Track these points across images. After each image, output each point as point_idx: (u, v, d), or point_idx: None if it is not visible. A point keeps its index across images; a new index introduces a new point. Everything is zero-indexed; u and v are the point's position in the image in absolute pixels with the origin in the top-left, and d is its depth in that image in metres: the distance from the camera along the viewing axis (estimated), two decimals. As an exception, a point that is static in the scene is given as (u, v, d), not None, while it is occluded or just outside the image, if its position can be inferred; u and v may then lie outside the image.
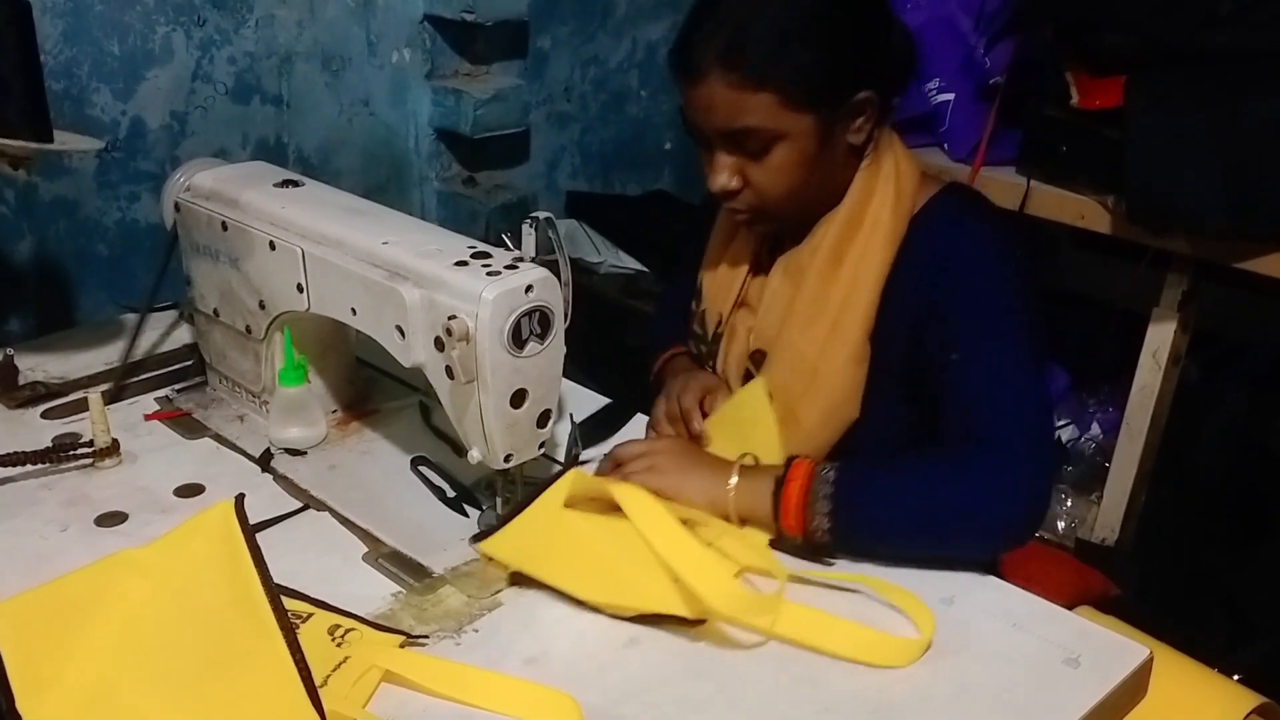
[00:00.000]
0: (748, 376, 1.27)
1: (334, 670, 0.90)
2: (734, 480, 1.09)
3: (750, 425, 1.21)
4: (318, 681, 0.87)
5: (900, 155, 1.22)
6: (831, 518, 1.05)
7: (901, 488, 1.07)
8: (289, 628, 0.89)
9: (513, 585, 1.03)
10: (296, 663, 0.86)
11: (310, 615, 0.96)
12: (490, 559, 1.05)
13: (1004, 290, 1.16)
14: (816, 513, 1.05)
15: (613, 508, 1.03)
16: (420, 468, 1.21)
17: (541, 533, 1.03)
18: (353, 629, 0.95)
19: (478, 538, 1.08)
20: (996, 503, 1.06)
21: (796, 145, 1.14)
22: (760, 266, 1.30)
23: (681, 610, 0.96)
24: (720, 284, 1.32)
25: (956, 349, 1.13)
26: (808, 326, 1.21)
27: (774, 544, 1.08)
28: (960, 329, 1.14)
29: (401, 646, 0.95)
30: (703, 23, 1.13)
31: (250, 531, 0.95)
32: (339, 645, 0.93)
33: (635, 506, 1.01)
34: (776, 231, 1.26)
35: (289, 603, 0.94)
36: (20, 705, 0.82)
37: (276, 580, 0.93)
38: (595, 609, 0.99)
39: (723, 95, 1.12)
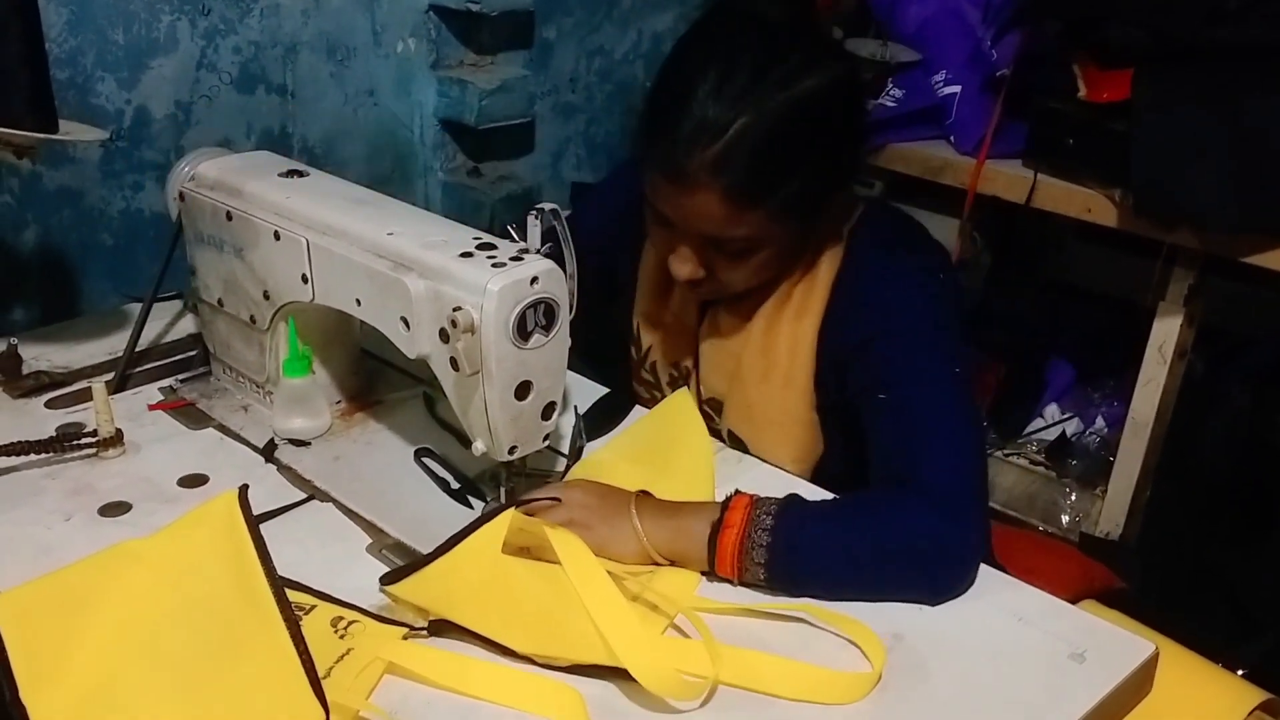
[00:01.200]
0: (709, 419, 1.27)
1: (337, 661, 0.90)
2: (655, 526, 1.02)
3: (679, 435, 1.18)
4: (321, 673, 0.86)
5: (839, 200, 1.21)
6: (767, 567, 0.99)
7: (836, 532, 1.02)
8: (293, 619, 0.89)
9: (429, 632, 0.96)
10: (300, 654, 0.86)
11: (313, 607, 0.96)
12: (397, 601, 0.98)
13: (926, 331, 1.14)
14: (752, 561, 0.99)
15: (539, 554, 0.98)
16: (424, 459, 1.20)
17: (466, 575, 0.95)
18: (355, 621, 0.95)
19: (387, 579, 0.99)
20: (929, 548, 1.02)
21: (776, 248, 1.15)
22: (701, 315, 1.29)
23: (617, 663, 0.88)
24: (668, 336, 1.32)
25: (884, 389, 1.11)
26: (760, 381, 1.22)
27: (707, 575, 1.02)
28: (888, 369, 1.12)
29: (405, 639, 0.94)
30: (690, 123, 1.08)
31: (254, 522, 0.96)
32: (342, 637, 0.93)
33: (569, 557, 0.95)
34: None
35: (292, 595, 0.94)
36: (24, 695, 0.82)
37: (280, 572, 0.93)
38: (526, 658, 0.92)
39: (713, 207, 1.09)
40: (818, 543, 1.01)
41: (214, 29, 1.79)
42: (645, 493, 1.07)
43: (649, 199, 1.16)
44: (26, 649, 0.85)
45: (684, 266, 1.16)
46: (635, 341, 1.36)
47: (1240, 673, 1.36)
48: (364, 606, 0.97)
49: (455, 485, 1.16)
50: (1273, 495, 1.97)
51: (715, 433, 1.27)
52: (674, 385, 1.32)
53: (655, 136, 1.12)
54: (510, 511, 0.97)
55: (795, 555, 1.00)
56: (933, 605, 1.00)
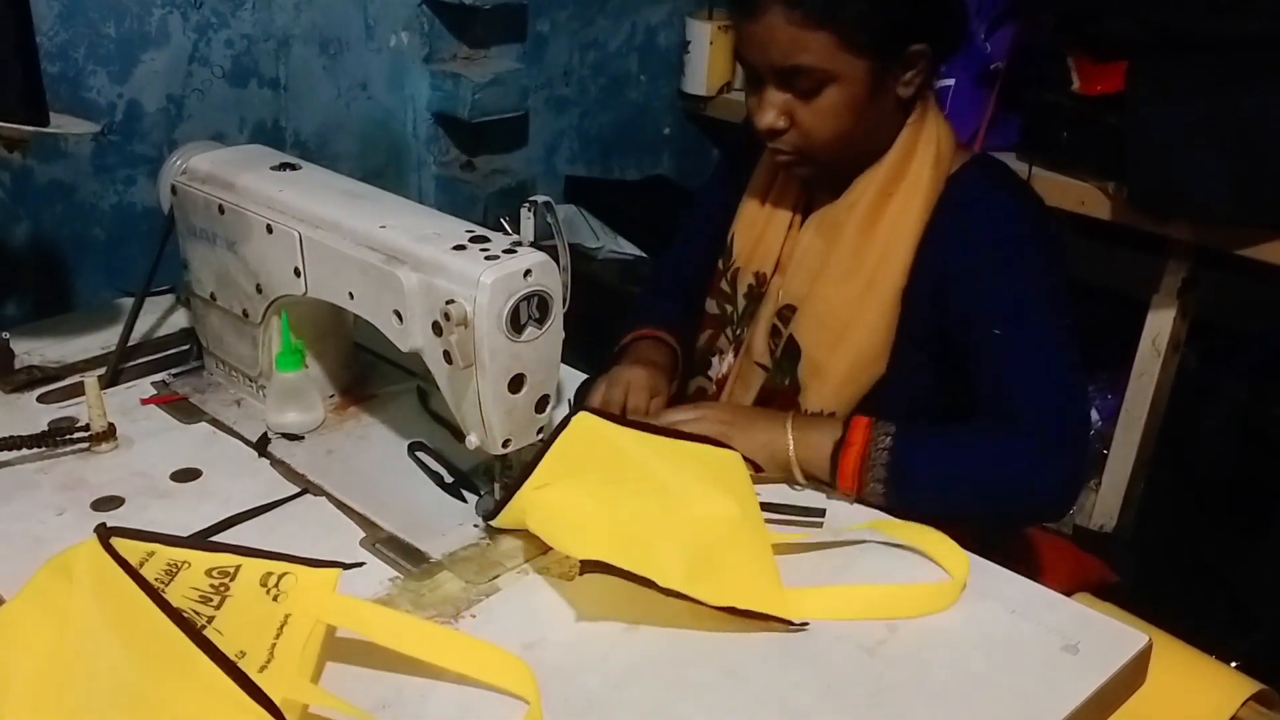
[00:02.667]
0: (774, 332, 1.28)
1: (276, 638, 0.85)
2: (791, 436, 1.13)
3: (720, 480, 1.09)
4: (261, 661, 0.82)
5: (940, 119, 1.24)
6: (886, 484, 1.09)
7: (951, 461, 1.12)
8: (202, 638, 0.79)
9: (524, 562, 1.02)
10: (223, 667, 0.77)
11: (238, 567, 0.91)
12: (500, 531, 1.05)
13: (1039, 268, 1.18)
14: (872, 479, 1.10)
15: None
16: (418, 453, 1.20)
17: (559, 493, 0.99)
18: (286, 573, 0.91)
19: (490, 515, 1.05)
20: (1035, 483, 1.11)
21: (848, 89, 1.15)
22: (795, 224, 1.30)
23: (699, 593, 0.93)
24: (758, 244, 1.32)
25: (993, 324, 1.15)
26: (842, 282, 1.22)
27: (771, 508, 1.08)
28: (997, 305, 1.16)
29: (345, 570, 0.92)
30: None
31: (125, 562, 0.84)
32: (276, 599, 0.88)
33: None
34: (813, 182, 1.27)
35: (217, 557, 0.90)
36: None
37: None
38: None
39: (782, 31, 1.12)
40: (930, 469, 1.11)
41: (206, 22, 1.79)
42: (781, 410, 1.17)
43: (737, 56, 1.23)
44: None
45: (764, 113, 1.18)
46: (725, 253, 1.36)
47: (1233, 665, 1.37)
48: (291, 554, 0.93)
49: (449, 479, 1.16)
50: (1266, 489, 1.97)
51: (774, 345, 1.28)
52: (750, 296, 1.32)
53: None
54: (581, 415, 1.02)
55: (909, 479, 1.10)
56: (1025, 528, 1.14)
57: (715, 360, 1.36)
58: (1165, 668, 1.03)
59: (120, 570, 0.83)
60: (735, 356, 1.34)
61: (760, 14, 1.13)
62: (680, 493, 0.99)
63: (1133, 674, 0.96)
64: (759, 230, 1.32)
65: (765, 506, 1.06)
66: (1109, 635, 0.97)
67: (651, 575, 0.90)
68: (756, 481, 1.08)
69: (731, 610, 0.93)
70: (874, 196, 1.21)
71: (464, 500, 1.13)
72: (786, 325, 1.27)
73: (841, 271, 1.22)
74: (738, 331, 1.34)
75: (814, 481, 1.15)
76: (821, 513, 1.09)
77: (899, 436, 1.11)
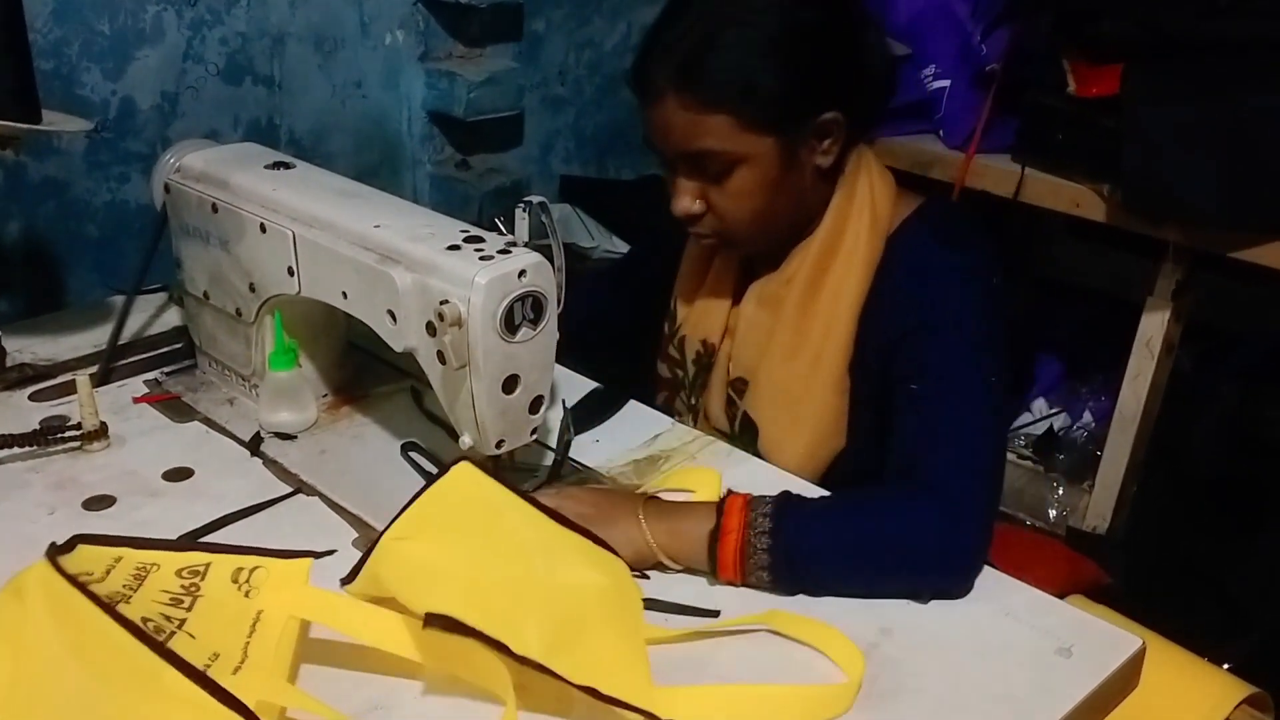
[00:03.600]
0: (729, 403, 1.27)
1: (250, 636, 0.83)
2: (648, 529, 1.01)
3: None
4: (235, 663, 0.81)
5: (875, 175, 1.20)
6: (771, 570, 0.98)
7: (843, 532, 1.01)
8: (158, 645, 0.78)
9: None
10: (187, 674, 0.76)
11: (209, 565, 0.90)
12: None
13: (965, 329, 1.12)
14: (755, 565, 0.98)
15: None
16: (411, 453, 1.20)
17: (413, 552, 0.90)
18: (257, 567, 0.90)
19: (347, 579, 0.93)
20: (941, 548, 1.01)
21: (757, 168, 1.12)
22: (738, 293, 1.28)
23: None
24: (701, 311, 1.31)
25: (916, 380, 1.10)
26: (789, 359, 1.20)
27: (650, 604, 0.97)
28: (923, 361, 1.11)
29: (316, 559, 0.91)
30: (658, 42, 1.11)
31: (76, 580, 0.82)
32: (247, 595, 0.87)
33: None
34: (747, 256, 1.25)
35: (186, 556, 0.89)
36: None
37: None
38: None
39: (679, 117, 1.10)
40: (820, 545, 0.99)
41: (200, 20, 1.78)
42: (651, 496, 1.06)
43: (644, 142, 1.19)
44: None
45: (680, 200, 1.17)
46: (670, 317, 1.35)
47: (1226, 667, 1.37)
48: (261, 547, 0.93)
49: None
50: (1259, 490, 1.97)
51: (731, 417, 1.27)
52: (699, 363, 1.31)
53: (632, 66, 1.16)
54: (461, 465, 0.93)
55: (797, 560, 0.98)
56: (925, 604, 1.00)
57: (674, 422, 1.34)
58: (1159, 671, 1.04)
59: (73, 588, 0.80)
60: (694, 423, 1.33)
61: (656, 100, 1.11)
62: (550, 561, 0.90)
63: (1126, 677, 0.96)
64: (702, 298, 1.31)
65: (652, 604, 0.97)
66: (1103, 638, 0.97)
67: (505, 640, 0.80)
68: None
69: (593, 693, 0.82)
70: (810, 270, 1.19)
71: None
72: (740, 398, 1.26)
73: (787, 348, 1.20)
74: (691, 399, 1.33)
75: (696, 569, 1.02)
76: (716, 613, 0.97)
77: (781, 514, 0.99)
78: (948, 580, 1.01)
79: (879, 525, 1.02)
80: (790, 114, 1.11)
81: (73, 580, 0.81)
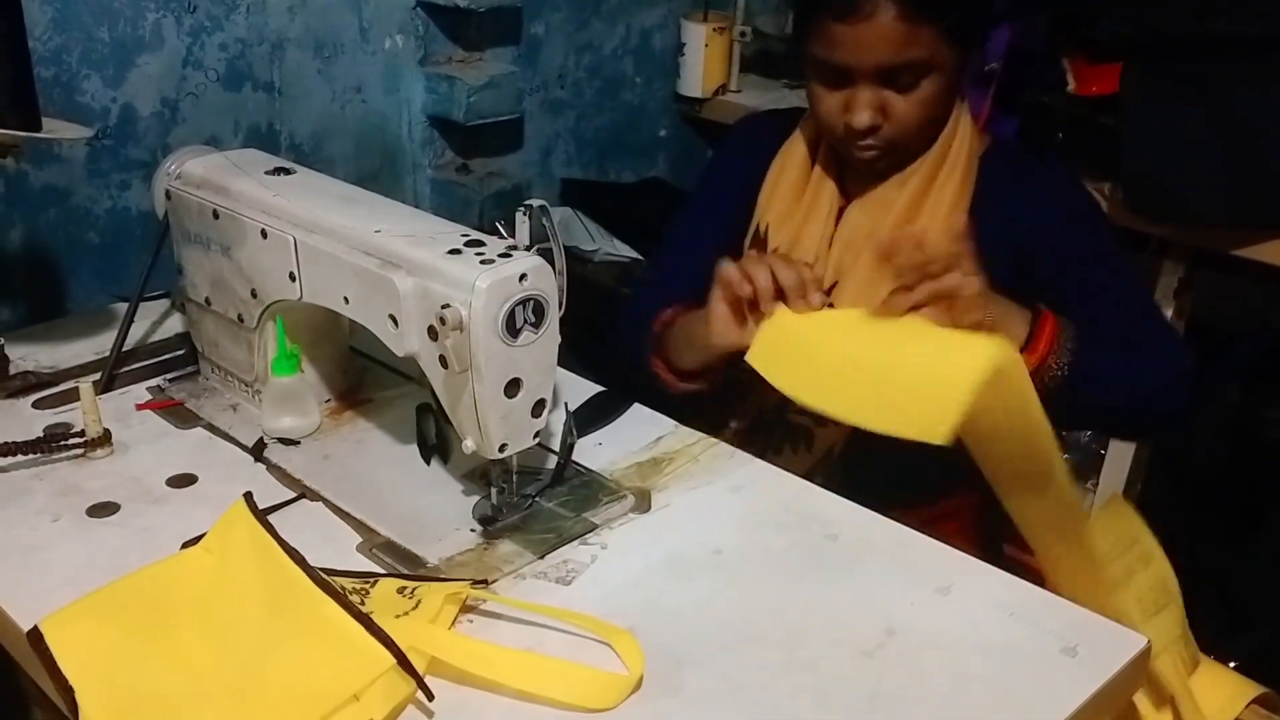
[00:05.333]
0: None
1: (406, 612, 0.92)
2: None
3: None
4: (391, 616, 0.91)
5: (963, 103, 1.30)
6: (1067, 368, 1.13)
7: (1115, 367, 1.18)
8: (326, 583, 0.92)
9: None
10: (346, 609, 0.89)
11: (376, 581, 0.99)
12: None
13: (1106, 223, 1.30)
14: (1059, 360, 1.13)
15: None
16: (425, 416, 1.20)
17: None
18: (419, 586, 0.97)
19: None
20: (1175, 394, 1.22)
21: (942, 78, 1.20)
22: (835, 212, 1.33)
23: None
24: (798, 232, 1.33)
25: (1096, 264, 1.24)
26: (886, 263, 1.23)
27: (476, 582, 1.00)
28: (1093, 257, 1.24)
29: (473, 586, 0.97)
30: None
31: (263, 517, 1.01)
32: (409, 598, 0.95)
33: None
34: (882, 172, 1.30)
35: (347, 582, 0.97)
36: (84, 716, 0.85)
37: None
38: None
39: (894, 29, 1.15)
40: (1104, 368, 1.17)
41: (200, 26, 1.79)
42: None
43: (818, 58, 1.22)
44: (78, 669, 0.87)
45: (864, 114, 1.21)
46: (759, 244, 1.37)
47: (1231, 665, 1.36)
48: (421, 573, 1.01)
49: (432, 442, 1.18)
50: (1263, 489, 1.97)
51: None
52: None
53: None
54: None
55: (1087, 371, 1.15)
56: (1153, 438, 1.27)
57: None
58: (1164, 670, 1.03)
59: (259, 528, 0.99)
60: None
61: (871, 15, 1.15)
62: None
63: (1132, 676, 0.95)
64: (798, 221, 1.34)
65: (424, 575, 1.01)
66: (1107, 638, 0.97)
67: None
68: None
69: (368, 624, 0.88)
70: (922, 179, 1.27)
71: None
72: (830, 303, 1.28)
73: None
74: None
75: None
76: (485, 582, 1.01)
77: (1078, 336, 1.15)
78: (1175, 422, 1.27)
79: (1138, 369, 1.20)
80: (975, 27, 1.22)
81: (262, 518, 1.00)
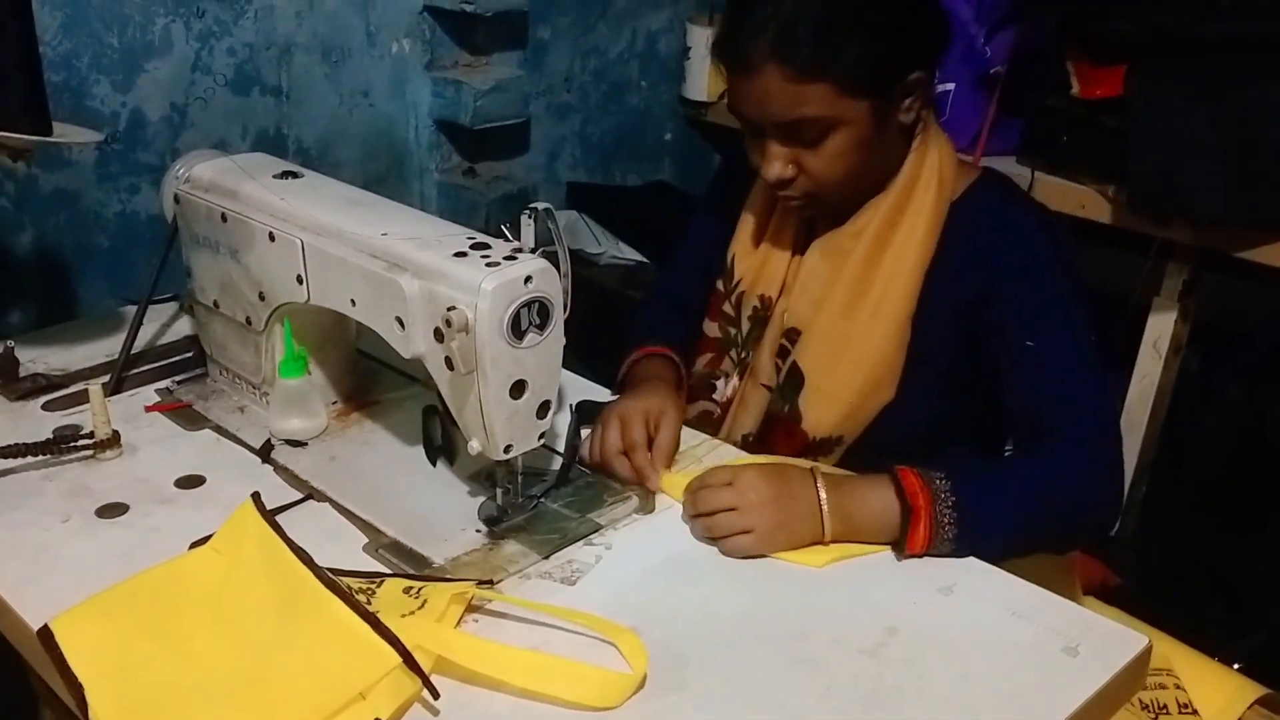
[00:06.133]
0: (780, 353, 1.28)
1: (413, 612, 0.93)
2: (828, 516, 1.07)
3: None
4: (397, 615, 0.91)
5: (942, 141, 1.24)
6: (954, 541, 1.05)
7: (1013, 499, 1.09)
8: (333, 582, 0.93)
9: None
10: (353, 608, 0.90)
11: (382, 580, 0.99)
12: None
13: (1060, 281, 1.19)
14: (941, 539, 1.05)
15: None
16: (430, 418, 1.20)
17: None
18: (424, 586, 0.98)
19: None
20: (1093, 496, 1.13)
21: (852, 131, 1.15)
22: (798, 247, 1.30)
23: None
24: (761, 268, 1.32)
25: (1024, 338, 1.16)
26: (849, 308, 1.22)
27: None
28: (1025, 321, 1.17)
29: (479, 585, 0.98)
30: (752, 13, 1.12)
31: (271, 518, 1.02)
32: (415, 597, 0.95)
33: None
34: (814, 214, 1.27)
35: (354, 582, 0.98)
36: (94, 714, 0.86)
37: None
38: None
39: (778, 87, 1.12)
40: (995, 511, 1.08)
41: (208, 31, 1.80)
42: (820, 470, 1.12)
43: (731, 110, 1.20)
44: (88, 668, 0.88)
45: (773, 165, 1.18)
46: (726, 274, 1.35)
47: (1236, 666, 1.37)
48: (426, 573, 1.02)
49: (438, 443, 1.18)
50: (1266, 489, 1.97)
51: (778, 370, 1.27)
52: (754, 318, 1.32)
53: (721, 40, 1.18)
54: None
55: (978, 528, 1.06)
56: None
57: (719, 384, 1.35)
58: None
59: (267, 529, 1.01)
60: (740, 380, 1.33)
61: (753, 72, 1.12)
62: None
63: (1133, 676, 0.96)
64: (762, 253, 1.32)
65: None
66: (1110, 637, 0.97)
67: None
68: None
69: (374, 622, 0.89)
70: (879, 225, 1.22)
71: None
72: (792, 348, 1.27)
73: (848, 298, 1.22)
74: (742, 354, 1.33)
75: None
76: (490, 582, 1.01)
77: (962, 489, 1.06)
78: (1102, 525, 1.15)
79: (1043, 487, 1.11)
80: (883, 76, 1.15)
81: (269, 519, 1.02)
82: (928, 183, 1.22)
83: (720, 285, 1.36)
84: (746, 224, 1.34)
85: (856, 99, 1.13)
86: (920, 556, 1.06)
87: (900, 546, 1.06)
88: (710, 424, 1.34)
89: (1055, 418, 1.13)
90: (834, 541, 1.07)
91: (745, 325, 1.33)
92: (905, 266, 1.21)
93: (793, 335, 1.27)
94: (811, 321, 1.25)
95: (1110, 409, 1.19)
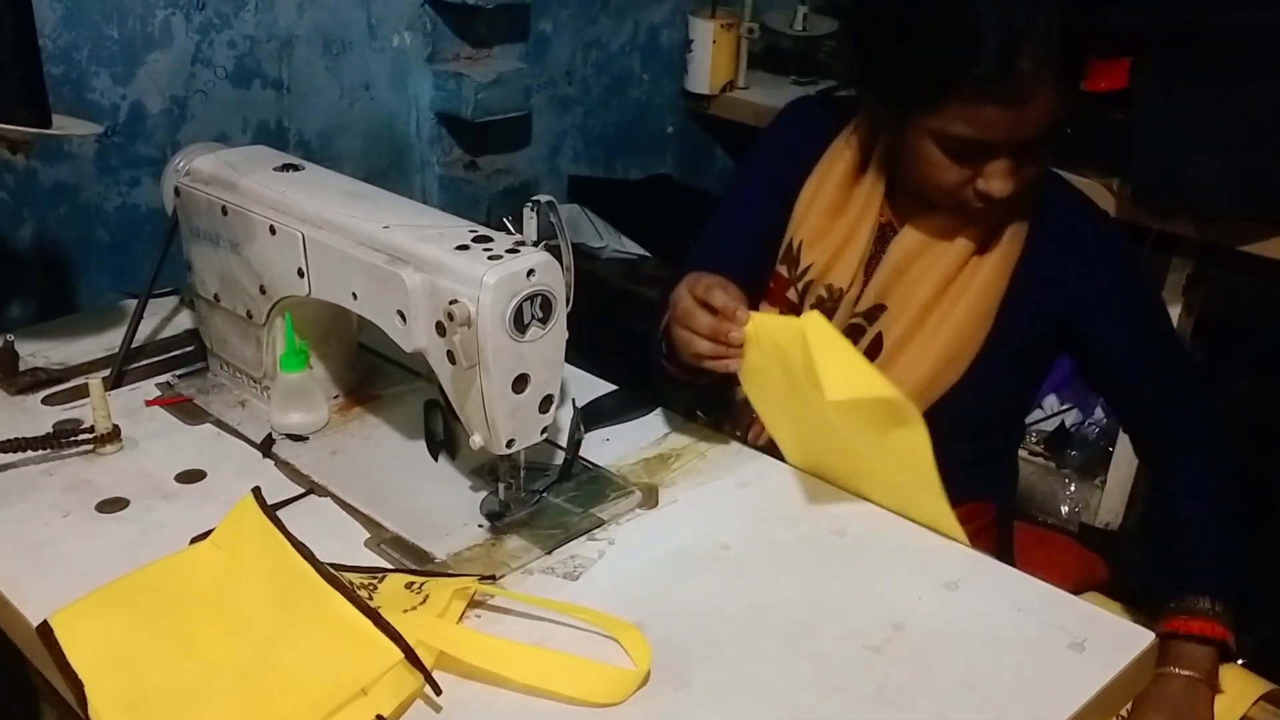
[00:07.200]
0: (854, 331, 1.26)
1: (415, 607, 0.92)
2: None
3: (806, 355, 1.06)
4: (399, 610, 0.91)
5: None
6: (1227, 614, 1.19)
7: (1229, 534, 1.25)
8: (334, 578, 0.93)
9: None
10: (355, 604, 0.89)
11: (384, 576, 0.99)
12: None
13: (1153, 296, 1.29)
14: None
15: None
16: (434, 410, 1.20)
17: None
18: (426, 581, 0.97)
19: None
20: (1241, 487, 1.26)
21: (1054, 132, 1.14)
22: (877, 241, 1.27)
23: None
24: (835, 255, 1.28)
25: (1151, 352, 1.25)
26: (942, 286, 1.22)
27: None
28: (1148, 326, 1.25)
29: (481, 581, 0.98)
30: (1006, 38, 1.06)
31: (272, 512, 1.01)
32: (416, 593, 0.95)
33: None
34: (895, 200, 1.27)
35: (355, 577, 0.97)
36: (93, 712, 0.86)
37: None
38: None
39: (1047, 101, 1.08)
40: (1230, 570, 1.25)
41: (209, 23, 1.79)
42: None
43: (954, 134, 1.11)
44: (88, 664, 0.88)
45: (1008, 183, 1.13)
46: (789, 260, 1.31)
47: (1240, 661, 1.36)
48: (429, 568, 1.01)
49: (439, 438, 1.17)
50: (1273, 484, 1.96)
51: (856, 342, 1.24)
52: (820, 306, 1.27)
53: (943, 68, 1.08)
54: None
55: (1231, 588, 1.22)
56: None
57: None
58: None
59: (268, 523, 1.00)
60: None
61: (1030, 96, 1.07)
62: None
63: (1139, 672, 0.95)
64: (834, 244, 1.28)
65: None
66: (1115, 633, 0.96)
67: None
68: None
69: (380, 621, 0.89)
70: (964, 236, 1.22)
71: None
72: (871, 324, 1.25)
73: (941, 276, 1.22)
74: None
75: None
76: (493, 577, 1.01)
77: (1207, 580, 1.22)
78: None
79: (1231, 510, 1.26)
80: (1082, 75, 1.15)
81: (270, 514, 1.01)
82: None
83: (784, 271, 1.32)
84: (817, 207, 1.29)
85: (1068, 99, 1.11)
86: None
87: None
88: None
89: (1192, 431, 1.26)
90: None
91: (824, 305, 1.30)
92: (1004, 254, 1.21)
93: (875, 311, 1.26)
94: (903, 296, 1.24)
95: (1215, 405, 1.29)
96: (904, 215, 1.26)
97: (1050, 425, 2.29)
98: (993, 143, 1.11)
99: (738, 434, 1.31)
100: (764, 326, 1.08)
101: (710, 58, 2.43)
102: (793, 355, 1.06)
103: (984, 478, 1.30)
